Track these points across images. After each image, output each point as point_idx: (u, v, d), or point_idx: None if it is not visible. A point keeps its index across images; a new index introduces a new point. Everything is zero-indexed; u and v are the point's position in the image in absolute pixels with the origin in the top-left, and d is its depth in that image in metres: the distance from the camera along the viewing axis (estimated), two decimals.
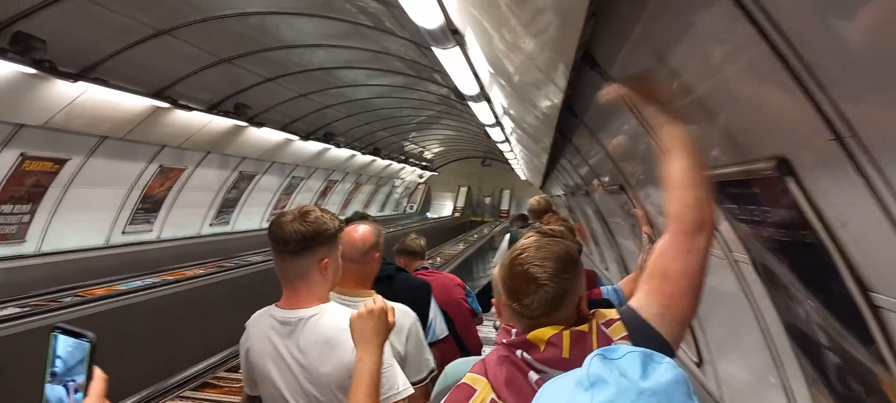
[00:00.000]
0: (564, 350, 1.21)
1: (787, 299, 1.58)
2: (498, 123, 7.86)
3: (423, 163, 23.70)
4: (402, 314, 2.07)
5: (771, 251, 1.49)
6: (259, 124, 9.75)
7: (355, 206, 19.79)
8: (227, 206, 11.81)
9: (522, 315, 1.27)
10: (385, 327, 1.60)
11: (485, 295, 4.19)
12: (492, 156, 26.17)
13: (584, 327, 1.25)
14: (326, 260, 1.77)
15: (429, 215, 28.33)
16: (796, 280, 1.40)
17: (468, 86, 5.19)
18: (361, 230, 2.21)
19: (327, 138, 12.46)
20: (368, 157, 16.21)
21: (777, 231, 1.35)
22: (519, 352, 1.24)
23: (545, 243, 1.30)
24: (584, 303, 1.31)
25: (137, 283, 6.19)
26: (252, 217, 13.14)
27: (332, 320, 1.75)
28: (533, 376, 1.22)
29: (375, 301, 1.63)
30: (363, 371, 1.55)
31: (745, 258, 1.84)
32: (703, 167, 1.40)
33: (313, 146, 12.57)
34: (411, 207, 27.80)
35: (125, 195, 8.80)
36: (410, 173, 23.16)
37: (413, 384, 1.82)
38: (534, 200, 4.98)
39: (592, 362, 0.81)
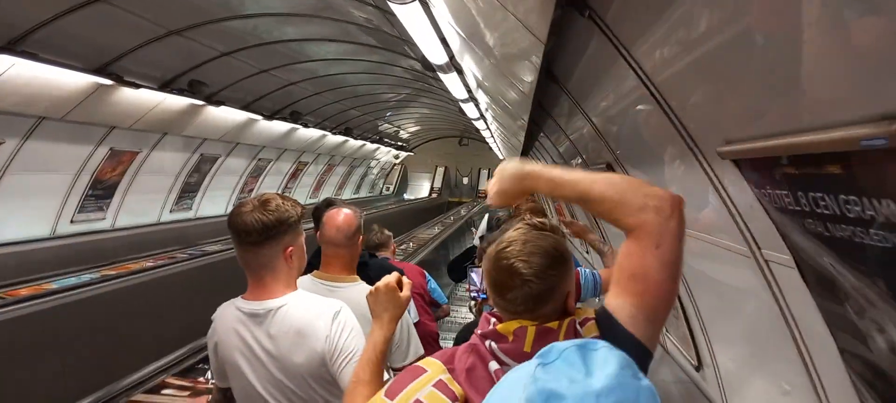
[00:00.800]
0: (527, 344, 1.21)
1: (855, 321, 1.13)
2: (472, 98, 7.38)
3: (399, 144, 23.12)
4: None
5: (844, 256, 1.03)
6: (218, 103, 9.12)
7: (328, 189, 19.20)
8: (188, 191, 11.18)
9: (505, 310, 1.26)
10: (393, 301, 1.56)
11: (462, 260, 4.17)
12: (469, 135, 25.75)
13: (553, 323, 1.23)
14: (291, 248, 1.74)
15: (406, 196, 27.84)
16: (891, 301, 0.95)
17: (436, 55, 4.72)
18: (344, 214, 2.16)
19: (294, 117, 11.84)
20: (340, 138, 15.60)
21: (869, 230, 0.89)
22: (487, 342, 1.24)
23: (533, 236, 1.27)
24: (572, 299, 1.28)
25: (73, 280, 5.59)
26: (217, 201, 12.51)
27: (302, 309, 1.73)
28: (493, 365, 1.21)
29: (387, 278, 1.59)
30: (368, 342, 1.53)
31: (782, 258, 1.39)
32: (615, 176, 1.31)
33: (280, 126, 11.95)
34: (387, 188, 27.28)
35: (72, 181, 8.15)
36: (385, 154, 22.59)
37: (397, 371, 1.80)
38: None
39: (537, 377, 0.81)
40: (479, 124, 11.60)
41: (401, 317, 1.59)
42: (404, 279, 1.62)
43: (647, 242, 1.19)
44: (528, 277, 1.21)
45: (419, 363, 1.29)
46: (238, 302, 1.78)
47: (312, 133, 13.83)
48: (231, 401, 1.89)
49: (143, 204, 10.07)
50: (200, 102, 8.68)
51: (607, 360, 0.81)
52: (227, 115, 9.99)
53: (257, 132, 11.67)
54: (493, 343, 1.23)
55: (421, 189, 28.98)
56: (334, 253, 2.09)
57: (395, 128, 21.42)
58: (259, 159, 13.16)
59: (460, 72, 5.37)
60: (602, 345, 0.83)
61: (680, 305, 2.60)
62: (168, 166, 10.20)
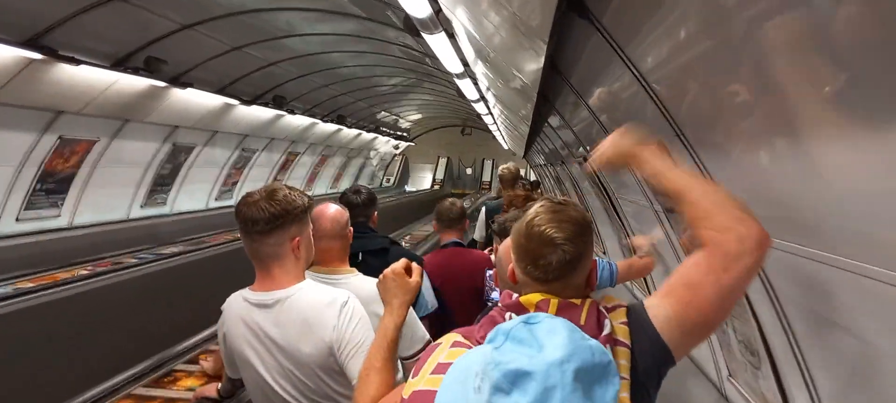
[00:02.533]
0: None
1: None
2: (467, 74, 6.34)
3: (399, 133, 22.05)
4: None
5: None
6: (183, 84, 8.10)
7: (323, 181, 18.19)
8: (161, 184, 10.17)
9: (538, 279, 1.25)
10: (402, 287, 1.60)
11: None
12: (472, 124, 24.72)
13: (575, 299, 1.23)
14: (298, 238, 1.77)
15: (407, 188, 26.82)
16: None
17: (420, 7, 3.68)
18: (333, 207, 2.20)
19: (278, 103, 10.79)
20: (332, 126, 14.54)
21: None
22: (508, 314, 1.22)
23: (559, 208, 1.29)
24: (594, 278, 1.31)
25: None
26: (196, 196, 11.51)
27: (309, 299, 1.74)
28: None
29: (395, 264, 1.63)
30: (379, 329, 1.56)
31: None
32: (722, 190, 1.30)
33: (262, 112, 10.92)
34: (388, 180, 26.27)
35: (13, 173, 7.14)
36: (384, 144, 21.53)
37: (405, 359, 1.85)
38: (503, 169, 4.73)
39: (494, 358, 0.88)
40: (479, 107, 10.56)
41: (410, 302, 1.62)
42: (414, 265, 1.65)
43: (717, 262, 1.19)
44: (560, 242, 1.22)
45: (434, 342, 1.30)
46: (245, 292, 1.81)
47: (301, 120, 12.79)
48: (239, 389, 2.00)
49: (107, 199, 9.07)
50: (161, 84, 7.66)
51: (554, 329, 0.87)
52: (199, 100, 8.98)
53: (238, 119, 10.64)
54: (513, 315, 1.20)
55: (423, 180, 27.94)
56: (329, 247, 2.12)
57: (394, 117, 20.32)
58: (243, 149, 12.14)
59: (454, 36, 4.33)
60: (542, 317, 0.89)
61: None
62: (135, 156, 9.19)
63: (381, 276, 1.62)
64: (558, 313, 1.19)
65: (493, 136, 19.46)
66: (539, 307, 1.21)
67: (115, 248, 7.79)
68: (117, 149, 8.55)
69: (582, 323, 1.18)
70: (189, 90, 8.26)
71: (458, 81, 7.35)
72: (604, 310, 1.23)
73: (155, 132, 9.19)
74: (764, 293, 1.73)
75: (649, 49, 1.67)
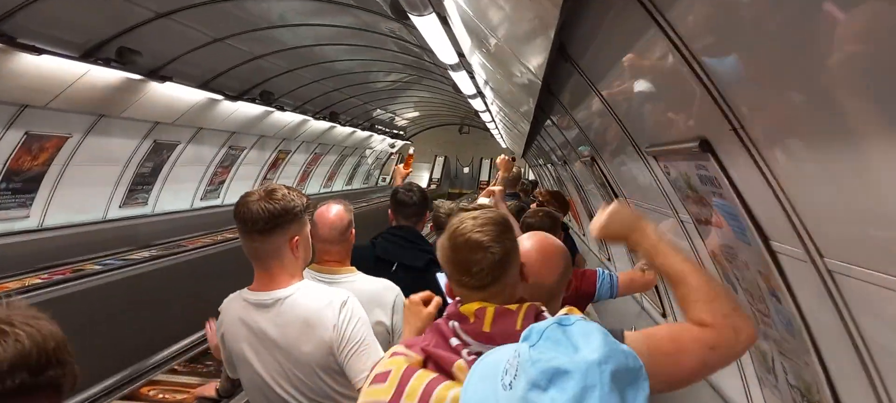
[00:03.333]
0: (486, 324, 1.24)
1: None
2: (462, 65, 5.86)
3: (394, 131, 21.53)
4: (385, 289, 2.15)
5: None
6: (162, 78, 7.59)
7: (316, 180, 17.67)
8: (142, 183, 9.65)
9: (471, 286, 1.28)
10: (416, 315, 1.57)
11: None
12: (470, 123, 24.24)
13: (512, 306, 1.26)
14: (297, 238, 1.76)
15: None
16: None
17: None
18: (335, 210, 2.19)
19: (265, 98, 10.27)
20: (324, 123, 14.02)
21: None
22: (451, 323, 1.27)
23: (479, 213, 1.32)
24: (525, 278, 1.35)
25: None
26: (181, 195, 11.00)
27: (309, 299, 1.75)
28: (454, 341, 1.24)
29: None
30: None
31: None
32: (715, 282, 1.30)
33: (249, 108, 10.40)
34: (383, 179, 25.76)
35: None
36: (380, 142, 21.01)
37: None
38: (504, 162, 4.66)
39: (532, 356, 0.84)
40: (476, 102, 10.08)
41: (421, 332, 1.53)
42: (435, 298, 1.62)
43: (709, 340, 1.19)
44: (488, 244, 1.26)
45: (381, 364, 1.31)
46: (245, 293, 1.81)
47: (291, 117, 12.28)
48: (238, 389, 2.03)
49: (83, 199, 8.57)
50: (136, 76, 7.15)
51: (588, 332, 0.84)
52: (180, 94, 8.46)
53: (223, 116, 10.12)
54: (455, 324, 1.26)
55: (420, 179, 27.34)
56: (326, 250, 2.14)
57: (390, 115, 19.80)
58: (230, 147, 11.62)
59: (444, 20, 3.85)
60: (575, 319, 0.85)
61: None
62: (113, 154, 8.68)
63: (407, 301, 1.61)
64: (495, 320, 1.24)
65: (492, 135, 19.02)
66: (477, 315, 1.25)
67: (88, 251, 7.30)
68: (92, 146, 8.03)
69: (518, 328, 1.20)
70: (168, 84, 7.75)
71: (452, 74, 6.83)
72: (546, 313, 1.26)
73: (134, 128, 8.67)
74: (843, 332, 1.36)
75: (615, 83, 1.76)
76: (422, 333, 1.50)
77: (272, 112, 11.15)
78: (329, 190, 19.00)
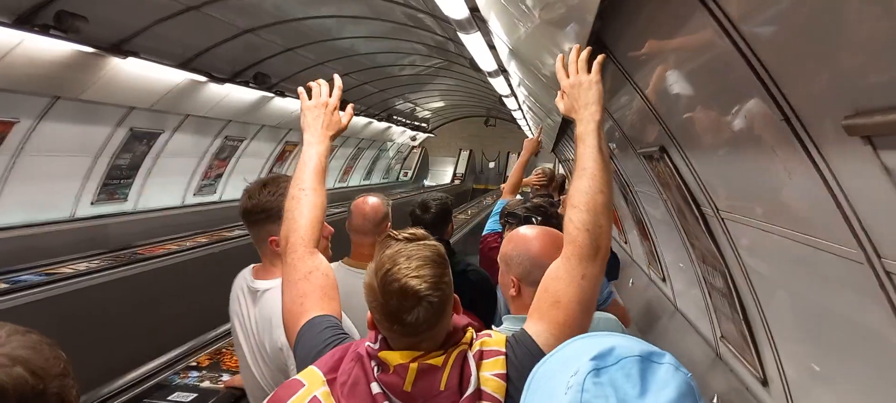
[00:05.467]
0: (407, 384, 1.16)
1: None
2: (500, 71, 4.60)
3: (415, 123, 20.20)
4: None
5: None
6: (124, 53, 6.36)
7: (330, 175, 16.35)
8: (118, 177, 8.49)
9: (405, 334, 1.18)
10: (326, 115, 1.67)
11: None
12: (496, 115, 22.84)
13: (436, 360, 1.17)
14: (274, 238, 1.76)
15: (426, 182, 25.04)
16: None
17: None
18: (372, 201, 2.26)
19: (260, 81, 9.00)
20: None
21: None
22: (372, 363, 1.20)
23: (413, 249, 1.20)
24: (458, 305, 1.27)
25: None
26: (170, 189, 9.84)
27: (278, 298, 1.64)
28: (375, 387, 1.17)
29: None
30: (310, 152, 1.66)
31: None
32: (608, 189, 1.43)
33: (243, 93, 9.16)
34: (405, 174, 24.52)
35: None
36: (400, 134, 19.71)
37: None
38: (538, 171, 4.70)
39: (585, 384, 0.71)
40: (511, 103, 8.83)
41: (333, 134, 1.68)
42: (349, 108, 1.72)
43: (577, 270, 1.33)
44: (425, 292, 1.15)
45: (300, 374, 1.25)
46: (248, 272, 1.91)
47: (295, 104, 11.00)
48: None
49: (44, 196, 7.44)
50: (89, 49, 5.92)
51: (667, 383, 0.71)
52: (155, 74, 7.24)
53: (213, 101, 8.90)
54: (376, 366, 1.18)
55: (444, 174, 26.12)
56: (360, 242, 2.17)
57: (411, 105, 18.46)
58: (226, 137, 10.41)
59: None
60: (667, 361, 0.74)
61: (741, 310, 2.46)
62: (79, 142, 7.51)
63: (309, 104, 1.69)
64: (417, 379, 1.15)
65: (519, 127, 17.66)
66: (397, 371, 1.16)
67: (55, 253, 6.11)
68: (49, 134, 6.85)
69: (442, 388, 1.15)
70: (134, 61, 6.50)
71: (490, 79, 5.97)
72: (471, 362, 1.19)
73: (103, 113, 7.48)
74: None
75: (650, 74, 1.85)
76: (331, 131, 1.67)
77: (272, 98, 9.90)
78: (345, 184, 17.80)
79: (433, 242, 1.23)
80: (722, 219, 2.49)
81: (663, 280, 4.88)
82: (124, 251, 6.06)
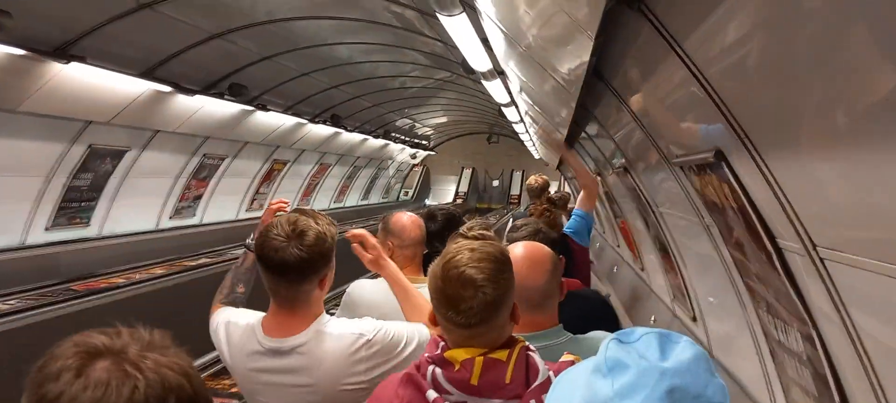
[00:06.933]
0: (474, 377, 1.19)
1: None
2: (496, 72, 3.87)
3: (415, 140, 19.40)
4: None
5: None
6: (67, 58, 5.56)
7: (324, 194, 15.63)
8: (78, 199, 7.66)
9: (459, 324, 1.22)
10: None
11: None
12: (499, 131, 22.04)
13: (501, 354, 1.21)
14: (327, 275, 1.66)
15: (428, 202, 24.21)
16: None
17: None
18: (409, 216, 2.30)
19: (235, 92, 8.18)
20: (325, 129, 11.93)
21: None
22: (431, 368, 1.21)
23: (478, 245, 1.26)
24: (518, 313, 1.29)
25: None
26: (141, 212, 9.01)
27: (332, 349, 1.60)
28: (431, 395, 1.19)
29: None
30: (396, 275, 1.81)
31: None
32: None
33: (218, 106, 8.35)
34: (405, 193, 23.69)
35: None
36: (399, 152, 18.90)
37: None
38: (532, 180, 4.82)
39: (609, 346, 0.80)
40: (511, 113, 8.00)
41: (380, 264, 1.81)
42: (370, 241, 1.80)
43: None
44: (481, 283, 1.19)
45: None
46: (258, 331, 1.63)
47: (280, 120, 10.21)
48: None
49: None
50: (19, 51, 5.11)
51: (685, 350, 0.78)
52: (110, 83, 6.43)
53: (184, 115, 8.09)
54: (437, 369, 1.21)
55: (446, 193, 25.28)
56: (407, 254, 2.21)
57: (409, 122, 17.66)
58: (204, 155, 9.60)
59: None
60: (684, 339, 0.80)
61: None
62: (25, 161, 6.70)
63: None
64: (482, 373, 1.18)
65: (523, 145, 16.84)
66: (464, 365, 1.19)
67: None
68: None
69: (508, 381, 1.19)
70: (78, 66, 5.69)
71: (485, 83, 5.93)
72: (537, 356, 1.23)
73: (54, 128, 6.67)
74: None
75: (710, 42, 1.53)
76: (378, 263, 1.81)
77: (253, 112, 9.10)
78: (340, 205, 16.96)
79: (499, 243, 1.29)
80: (819, 258, 1.64)
81: (693, 320, 4.02)
82: (60, 286, 5.19)
